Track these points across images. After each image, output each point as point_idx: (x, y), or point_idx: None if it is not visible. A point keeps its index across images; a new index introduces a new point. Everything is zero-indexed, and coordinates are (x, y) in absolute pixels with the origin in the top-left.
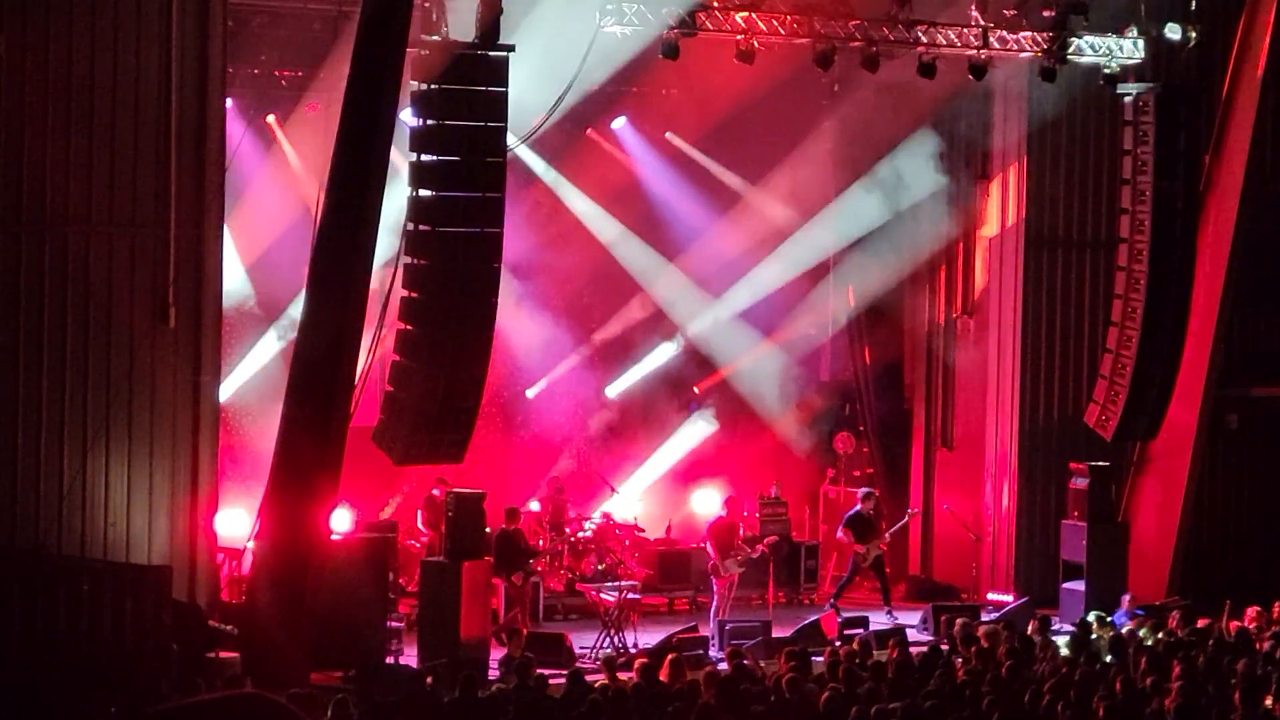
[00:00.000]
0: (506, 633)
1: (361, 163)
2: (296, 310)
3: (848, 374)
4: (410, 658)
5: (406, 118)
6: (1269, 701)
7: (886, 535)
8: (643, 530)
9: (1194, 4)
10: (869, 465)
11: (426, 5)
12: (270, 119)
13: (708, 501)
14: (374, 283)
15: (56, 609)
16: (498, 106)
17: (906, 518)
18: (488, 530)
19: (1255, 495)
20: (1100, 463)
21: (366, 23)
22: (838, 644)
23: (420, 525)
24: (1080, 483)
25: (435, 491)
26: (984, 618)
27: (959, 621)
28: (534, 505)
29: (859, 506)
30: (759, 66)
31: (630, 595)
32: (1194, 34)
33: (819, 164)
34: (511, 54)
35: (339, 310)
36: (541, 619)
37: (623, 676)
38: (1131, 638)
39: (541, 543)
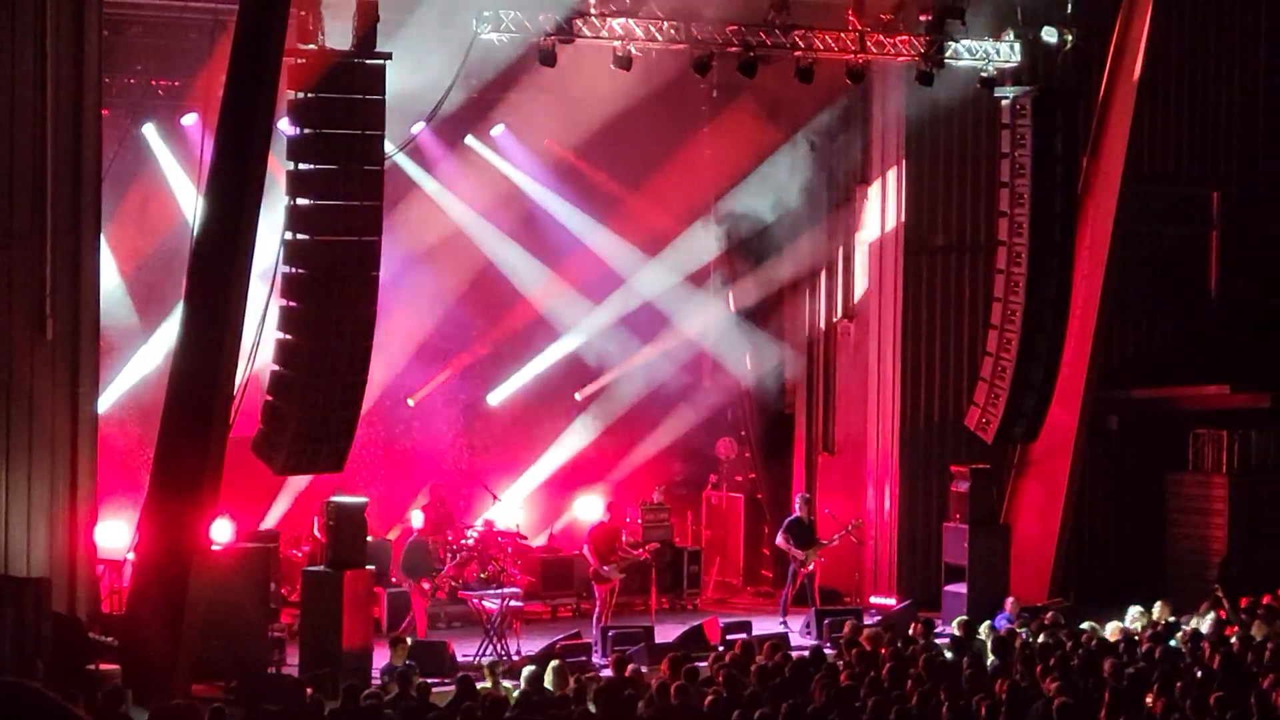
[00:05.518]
0: (390, 641)
1: (239, 172)
2: (175, 321)
3: (729, 379)
4: (292, 668)
5: (284, 126)
6: (1149, 699)
7: (825, 543)
8: (525, 537)
9: (1070, 7)
10: (751, 470)
11: (303, 14)
12: (147, 128)
13: (590, 508)
14: (252, 292)
15: None
16: (375, 114)
17: (850, 528)
18: (370, 539)
19: (1136, 496)
20: (981, 465)
21: (242, 31)
22: (720, 649)
23: (317, 532)
24: (961, 485)
25: None
26: (867, 621)
27: (847, 624)
28: (416, 514)
29: (796, 512)
30: (637, 73)
31: (513, 603)
32: (1070, 37)
33: (698, 170)
34: (388, 61)
35: (217, 320)
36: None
37: (508, 684)
38: (1013, 638)
39: (448, 558)
